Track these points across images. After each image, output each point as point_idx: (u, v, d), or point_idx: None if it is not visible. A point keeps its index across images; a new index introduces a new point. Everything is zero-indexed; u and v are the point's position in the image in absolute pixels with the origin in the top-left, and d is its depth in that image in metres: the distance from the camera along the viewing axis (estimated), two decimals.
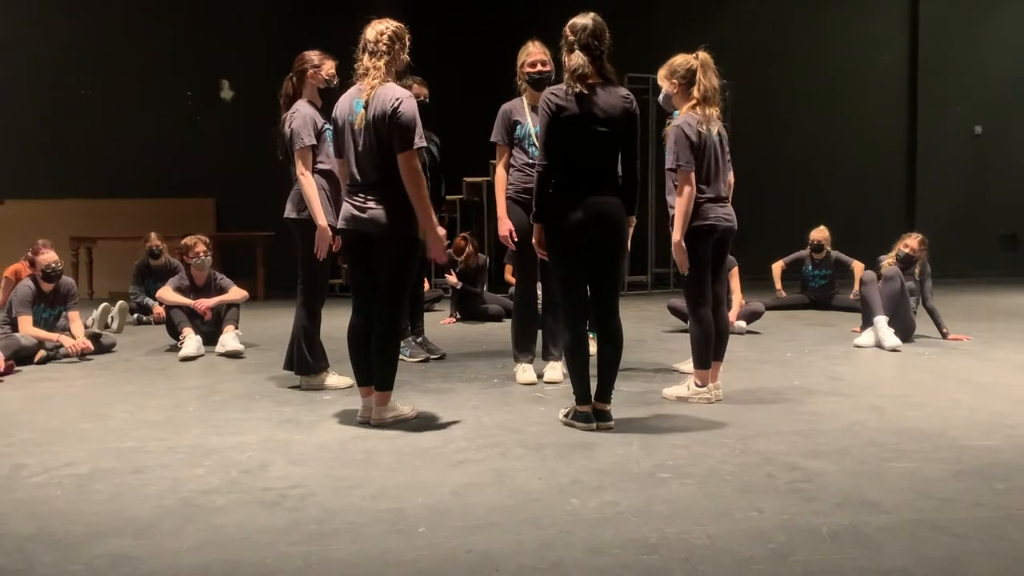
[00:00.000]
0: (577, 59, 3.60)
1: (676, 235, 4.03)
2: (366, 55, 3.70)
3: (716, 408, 4.06)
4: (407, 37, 3.79)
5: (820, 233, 8.30)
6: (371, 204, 3.65)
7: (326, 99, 4.51)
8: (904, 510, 2.65)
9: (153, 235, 7.88)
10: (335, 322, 4.94)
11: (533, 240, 3.79)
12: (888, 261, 6.19)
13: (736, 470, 3.05)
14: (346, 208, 3.76)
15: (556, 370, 4.76)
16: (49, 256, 5.81)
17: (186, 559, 2.33)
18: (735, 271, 6.81)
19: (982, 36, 12.69)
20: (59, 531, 2.54)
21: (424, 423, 3.79)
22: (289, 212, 4.55)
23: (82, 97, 11.20)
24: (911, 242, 6.23)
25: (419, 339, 5.63)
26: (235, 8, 11.30)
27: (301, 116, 4.44)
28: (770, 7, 12.26)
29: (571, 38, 3.66)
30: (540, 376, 4.74)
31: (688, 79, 4.10)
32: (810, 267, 8.37)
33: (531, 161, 4.59)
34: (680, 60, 4.16)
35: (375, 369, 3.75)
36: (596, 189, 3.61)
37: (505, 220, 4.66)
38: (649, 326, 7.06)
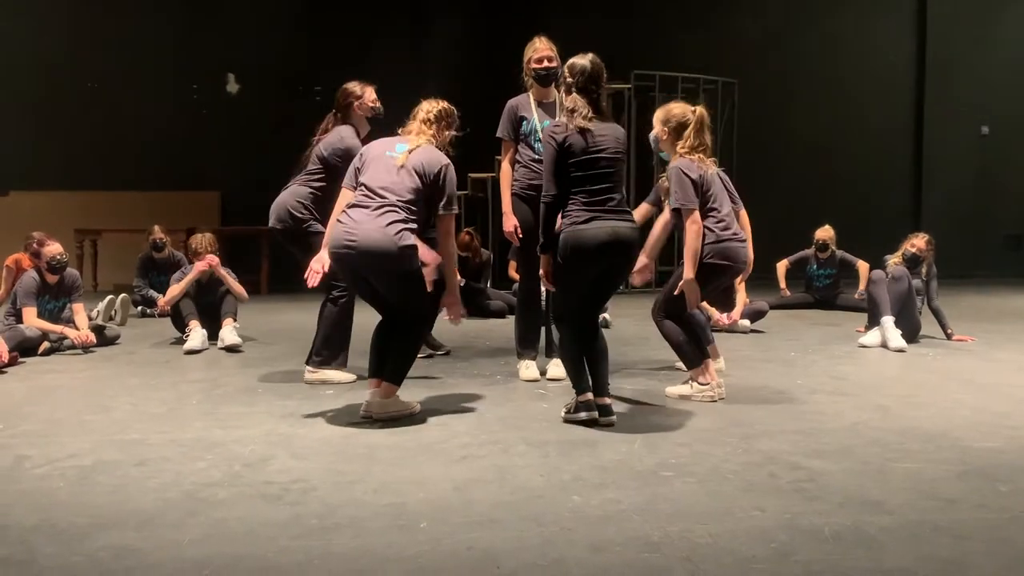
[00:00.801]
0: (575, 101, 3.75)
1: (688, 273, 4.07)
2: (416, 121, 3.97)
3: (719, 407, 4.05)
4: (455, 119, 4.07)
5: (825, 232, 8.29)
6: (375, 228, 3.64)
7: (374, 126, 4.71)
8: (907, 510, 2.64)
9: (156, 228, 7.89)
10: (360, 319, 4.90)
11: (540, 272, 3.84)
12: (894, 261, 6.18)
13: (739, 469, 3.05)
14: (343, 234, 3.70)
15: (559, 367, 4.74)
16: (54, 248, 5.82)
17: (188, 552, 2.33)
18: None
19: (989, 37, 12.66)
20: (62, 522, 2.55)
21: (427, 418, 3.79)
22: (281, 223, 4.58)
23: (88, 90, 11.22)
24: (917, 242, 6.21)
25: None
26: (242, 2, 11.30)
27: (340, 138, 4.56)
28: (777, 7, 12.24)
29: (569, 80, 3.80)
30: (543, 373, 4.74)
31: (678, 130, 4.19)
32: (815, 266, 8.36)
33: (537, 157, 4.59)
34: (678, 111, 4.24)
35: (390, 358, 3.79)
36: (613, 213, 3.71)
37: (510, 216, 4.65)
38: (652, 324, 7.02)
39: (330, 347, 4.64)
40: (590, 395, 3.70)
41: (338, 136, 4.60)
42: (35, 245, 5.91)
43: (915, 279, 6.15)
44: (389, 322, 3.90)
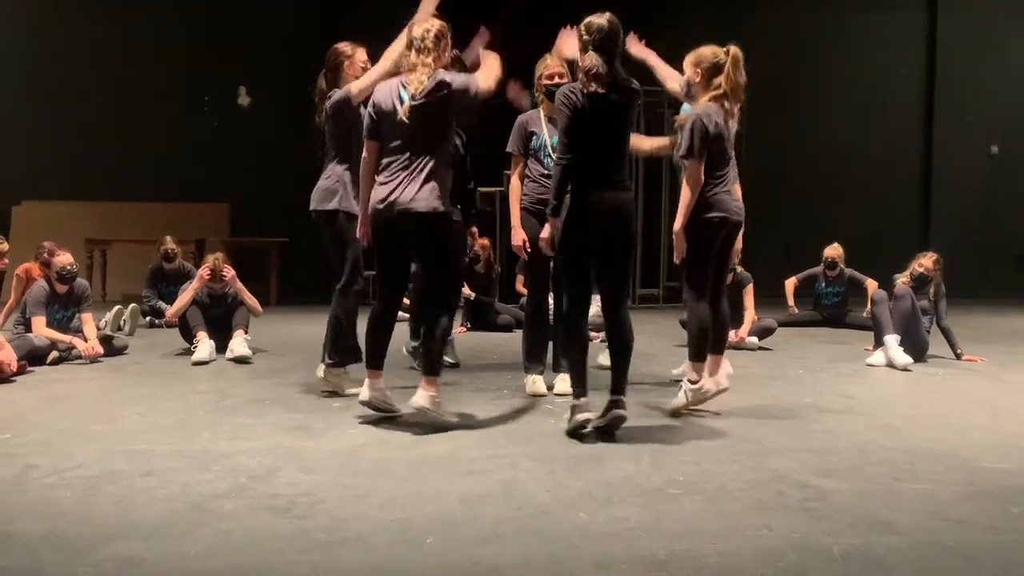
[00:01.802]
0: (591, 59, 3.69)
1: (678, 223, 4.04)
2: (413, 51, 3.85)
3: (727, 424, 4.03)
4: (449, 33, 3.95)
5: (834, 250, 8.28)
6: (414, 189, 3.75)
7: None
8: (916, 531, 2.62)
9: (168, 238, 7.92)
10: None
11: (542, 235, 3.83)
12: (902, 280, 6.16)
13: (747, 487, 3.03)
14: (382, 191, 3.83)
15: (566, 382, 4.73)
16: (65, 258, 5.85)
17: (194, 564, 2.33)
18: (750, 287, 6.79)
19: (999, 56, 12.65)
20: (68, 532, 2.54)
21: (433, 432, 3.78)
22: (328, 204, 4.49)
23: (100, 101, 11.30)
24: (925, 261, 6.19)
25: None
26: (254, 15, 11.38)
27: (339, 93, 4.48)
28: (786, 26, 12.26)
29: (586, 38, 3.74)
30: (550, 388, 4.73)
31: (712, 71, 4.10)
32: (823, 284, 8.34)
33: (546, 172, 4.62)
34: (708, 51, 4.16)
35: (425, 352, 3.87)
36: (610, 184, 3.71)
37: (519, 230, 4.66)
38: (660, 340, 7.03)
39: (340, 351, 4.62)
40: (586, 399, 3.71)
41: (328, 103, 4.49)
42: (45, 255, 5.94)
43: (923, 299, 6.13)
44: (388, 314, 4.00)
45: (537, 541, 2.50)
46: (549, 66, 4.64)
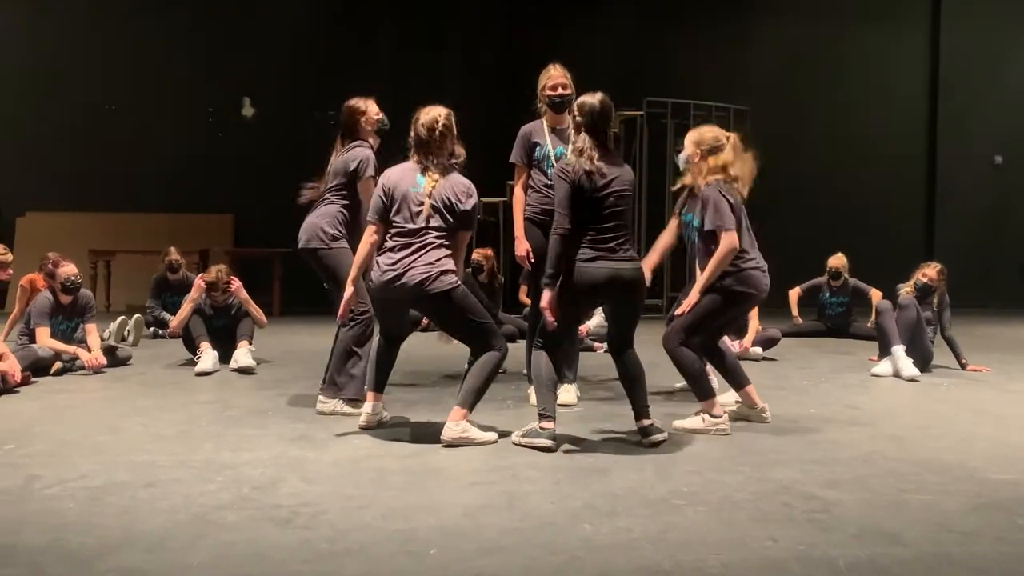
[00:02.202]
0: (583, 141, 3.77)
1: (698, 287, 4.06)
2: (421, 153, 3.91)
3: (732, 435, 4.01)
4: (455, 126, 3.98)
5: (838, 260, 8.27)
6: (424, 268, 3.76)
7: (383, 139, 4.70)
8: (923, 543, 2.60)
9: (172, 249, 7.94)
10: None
11: (543, 304, 3.78)
12: (906, 290, 6.15)
13: (752, 498, 3.02)
14: (388, 266, 3.80)
15: (570, 392, 4.74)
16: (69, 269, 5.86)
17: (196, 575, 2.32)
18: None
19: (1003, 66, 12.67)
20: (71, 543, 2.54)
21: (436, 443, 3.77)
22: (311, 243, 4.51)
23: (105, 112, 11.36)
24: (929, 271, 6.19)
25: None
26: (258, 26, 11.44)
27: (366, 153, 4.52)
28: (791, 35, 12.30)
29: (579, 119, 3.83)
30: None
31: (711, 152, 4.17)
32: (827, 294, 8.33)
33: (549, 182, 4.62)
34: (711, 135, 4.23)
35: (465, 386, 3.82)
36: (618, 253, 3.75)
37: (522, 240, 4.66)
38: (659, 351, 6.99)
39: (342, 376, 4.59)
40: (553, 424, 3.71)
41: (357, 151, 4.54)
42: (50, 265, 5.95)
43: (927, 309, 6.12)
44: (391, 347, 4.09)
45: (541, 552, 2.49)
46: (552, 77, 4.65)
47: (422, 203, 3.83)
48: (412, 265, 3.77)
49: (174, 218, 10.98)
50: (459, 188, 3.89)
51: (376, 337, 4.16)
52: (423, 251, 3.80)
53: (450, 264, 3.82)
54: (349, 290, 4.00)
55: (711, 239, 4.08)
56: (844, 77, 12.43)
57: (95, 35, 11.28)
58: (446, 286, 3.76)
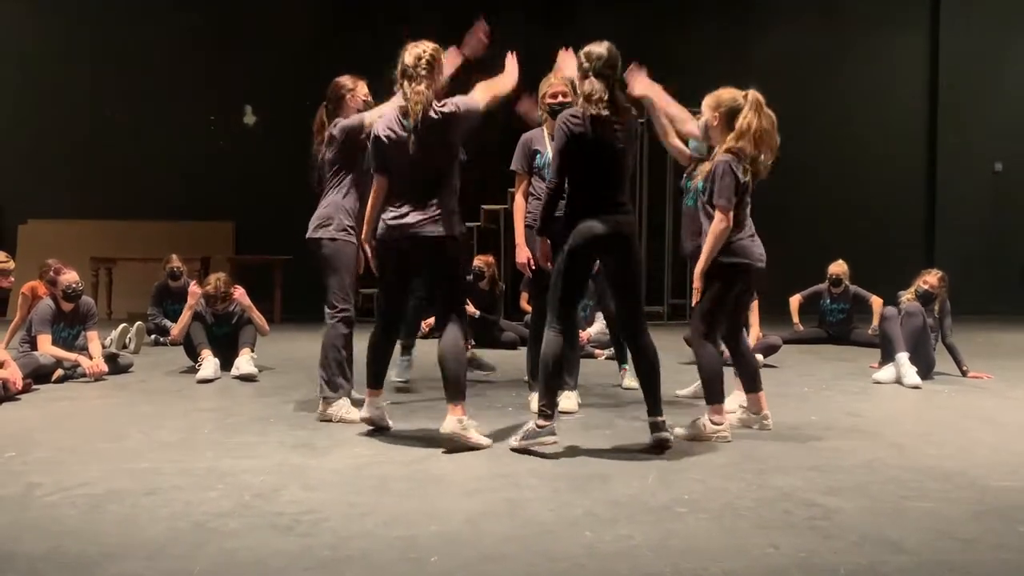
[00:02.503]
0: (592, 85, 3.75)
1: (697, 270, 4.05)
2: (406, 80, 3.87)
3: (733, 441, 4.01)
4: (443, 58, 3.99)
5: (838, 267, 8.27)
6: (423, 214, 3.82)
7: None
8: (924, 550, 2.60)
9: (174, 256, 7.94)
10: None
11: (539, 254, 3.92)
12: (907, 297, 6.15)
13: (753, 505, 3.01)
14: (390, 218, 3.88)
15: (571, 399, 4.74)
16: (70, 276, 5.86)
17: None
18: (755, 304, 6.77)
19: (1002, 73, 12.68)
20: (72, 551, 2.54)
21: (438, 450, 3.77)
22: (316, 232, 4.49)
23: (106, 120, 11.38)
24: (930, 278, 6.18)
25: (407, 357, 5.73)
26: (260, 34, 11.47)
27: (346, 120, 4.50)
28: (791, 40, 12.31)
29: (586, 65, 3.80)
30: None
31: (730, 117, 4.06)
32: (828, 301, 8.32)
33: None
34: (728, 95, 4.11)
35: (446, 380, 3.83)
36: (613, 208, 3.76)
37: (523, 248, 4.67)
38: (665, 357, 6.95)
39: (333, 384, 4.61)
40: (552, 422, 3.72)
41: (336, 128, 4.49)
42: (51, 273, 5.95)
43: (928, 316, 6.12)
44: (388, 338, 4.09)
45: (542, 560, 2.49)
46: (553, 85, 4.66)
47: (411, 148, 3.81)
48: (410, 215, 3.83)
49: (175, 226, 11.00)
50: (437, 117, 3.81)
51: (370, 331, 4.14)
52: (419, 204, 3.84)
53: (459, 224, 3.88)
54: (368, 247, 4.10)
55: (712, 209, 4.04)
56: (843, 83, 12.44)
57: (97, 43, 11.31)
58: (440, 232, 3.81)
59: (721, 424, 4.04)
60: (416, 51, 3.88)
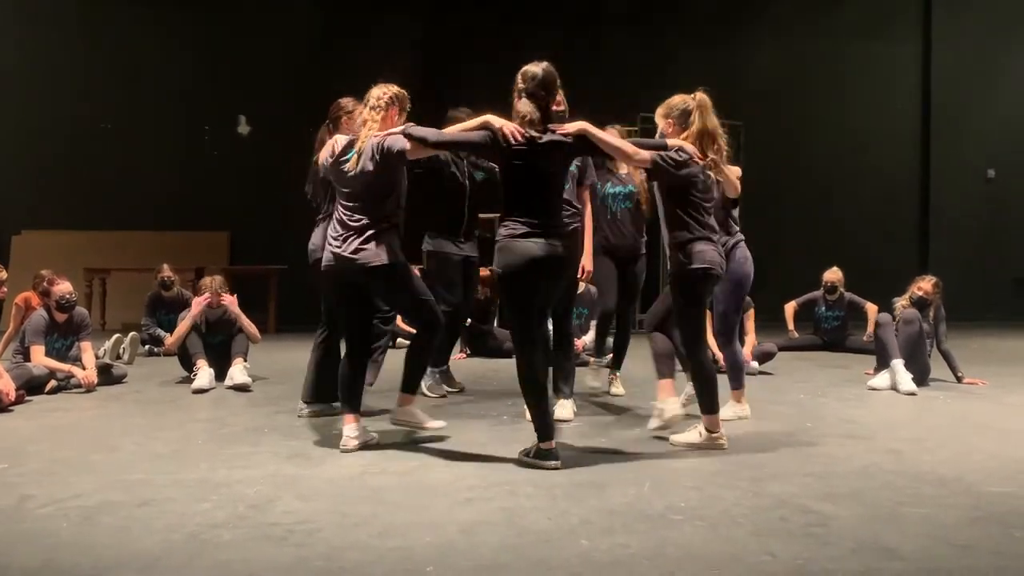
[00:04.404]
0: (524, 106, 3.74)
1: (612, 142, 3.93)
2: (367, 108, 4.03)
3: (728, 449, 4.00)
4: (407, 102, 4.10)
5: (834, 274, 8.28)
6: (360, 244, 3.91)
7: None
8: (921, 557, 2.60)
9: (165, 266, 7.92)
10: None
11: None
12: (902, 304, 6.16)
13: (749, 513, 3.01)
14: (331, 250, 3.98)
15: (566, 408, 4.74)
16: (64, 287, 5.85)
17: None
18: (751, 312, 6.79)
19: (994, 81, 12.75)
20: (65, 564, 2.52)
21: (433, 459, 3.76)
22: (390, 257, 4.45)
23: (100, 130, 11.37)
24: (924, 285, 6.19)
25: (441, 370, 5.61)
26: (254, 45, 11.48)
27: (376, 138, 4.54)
28: (785, 51, 12.37)
29: (520, 85, 3.81)
30: None
31: (683, 119, 4.07)
32: (823, 308, 8.33)
33: None
34: (678, 100, 4.13)
35: (408, 370, 4.10)
36: (549, 228, 3.71)
37: None
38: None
39: (320, 398, 4.75)
40: (554, 443, 3.66)
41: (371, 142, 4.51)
42: (44, 284, 5.94)
43: (923, 322, 6.13)
44: (360, 357, 4.07)
45: (538, 569, 2.48)
46: None
47: (351, 173, 3.94)
48: (355, 243, 3.96)
49: (170, 236, 10.97)
50: (375, 144, 3.90)
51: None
52: (362, 231, 3.98)
53: (392, 250, 3.95)
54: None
55: (673, 201, 4.00)
56: (837, 93, 12.49)
57: (91, 53, 11.31)
58: (379, 262, 3.93)
59: (716, 433, 4.02)
60: (382, 88, 4.04)
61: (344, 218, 3.97)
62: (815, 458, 3.86)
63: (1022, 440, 4.29)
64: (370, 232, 3.90)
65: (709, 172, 4.03)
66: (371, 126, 3.95)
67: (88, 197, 11.11)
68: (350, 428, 3.97)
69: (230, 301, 6.21)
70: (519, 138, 3.68)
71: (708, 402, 4.03)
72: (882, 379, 5.87)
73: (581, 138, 3.78)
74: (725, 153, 4.16)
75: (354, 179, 3.92)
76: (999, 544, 2.72)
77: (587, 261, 4.80)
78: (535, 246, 3.64)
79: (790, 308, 8.38)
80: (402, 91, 4.07)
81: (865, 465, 3.71)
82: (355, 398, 4.03)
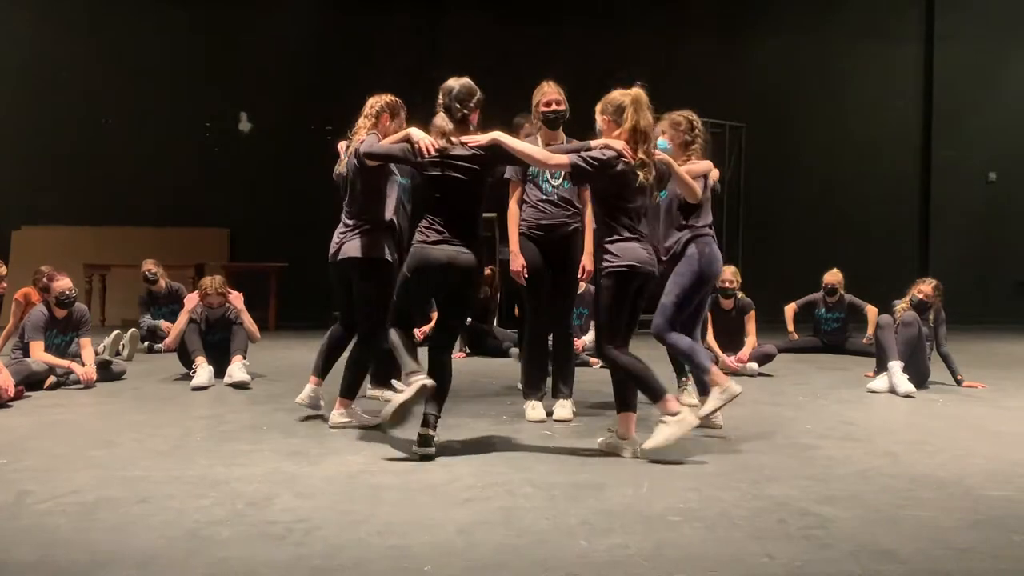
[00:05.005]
0: (440, 119, 3.93)
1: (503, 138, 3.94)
2: (361, 118, 4.43)
3: (727, 450, 4.01)
4: (400, 109, 4.48)
5: (834, 276, 8.28)
6: (349, 239, 4.37)
7: None
8: (920, 560, 2.59)
9: (146, 261, 7.93)
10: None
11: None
12: (902, 306, 6.15)
13: (748, 514, 3.01)
14: (332, 246, 4.47)
15: (565, 408, 4.73)
16: (64, 283, 5.84)
17: None
18: (752, 314, 6.79)
19: (996, 83, 12.75)
20: (62, 560, 2.52)
21: (432, 459, 3.76)
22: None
23: (101, 126, 11.37)
24: (925, 288, 6.19)
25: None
26: (256, 41, 11.47)
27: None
28: (785, 52, 12.37)
29: (440, 100, 3.96)
30: (549, 414, 4.71)
31: (617, 116, 3.95)
32: (823, 310, 8.33)
33: (544, 197, 4.72)
34: (615, 95, 4.00)
35: (346, 376, 4.45)
36: (457, 238, 3.85)
37: (517, 255, 4.67)
38: (661, 365, 6.99)
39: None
40: (420, 375, 3.78)
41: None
42: (44, 280, 5.93)
43: (923, 325, 6.12)
44: (346, 335, 4.62)
45: (536, 569, 2.47)
46: (546, 93, 4.67)
47: (340, 175, 4.48)
48: (346, 243, 4.44)
49: (170, 232, 10.97)
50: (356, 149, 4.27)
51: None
52: (353, 230, 4.44)
53: (376, 248, 4.37)
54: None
55: (598, 201, 3.94)
56: (838, 94, 12.49)
57: (92, 49, 11.30)
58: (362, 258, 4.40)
59: (678, 411, 3.81)
60: (376, 97, 4.47)
61: (343, 216, 4.48)
62: (814, 460, 3.86)
63: (1021, 443, 4.29)
64: (358, 230, 4.36)
65: (639, 172, 3.85)
66: (360, 133, 4.34)
67: (88, 193, 11.11)
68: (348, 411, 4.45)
69: (235, 297, 6.21)
70: (431, 151, 3.86)
71: (652, 392, 3.84)
72: (880, 382, 5.87)
73: (494, 147, 3.88)
74: (698, 147, 4.25)
75: (345, 180, 4.46)
76: (998, 548, 2.71)
77: (587, 260, 4.80)
78: (442, 253, 3.82)
79: (790, 310, 8.38)
80: (394, 100, 4.46)
81: (864, 468, 3.71)
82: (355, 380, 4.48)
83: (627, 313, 3.93)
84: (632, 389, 3.94)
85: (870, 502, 3.18)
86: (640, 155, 3.87)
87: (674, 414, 3.80)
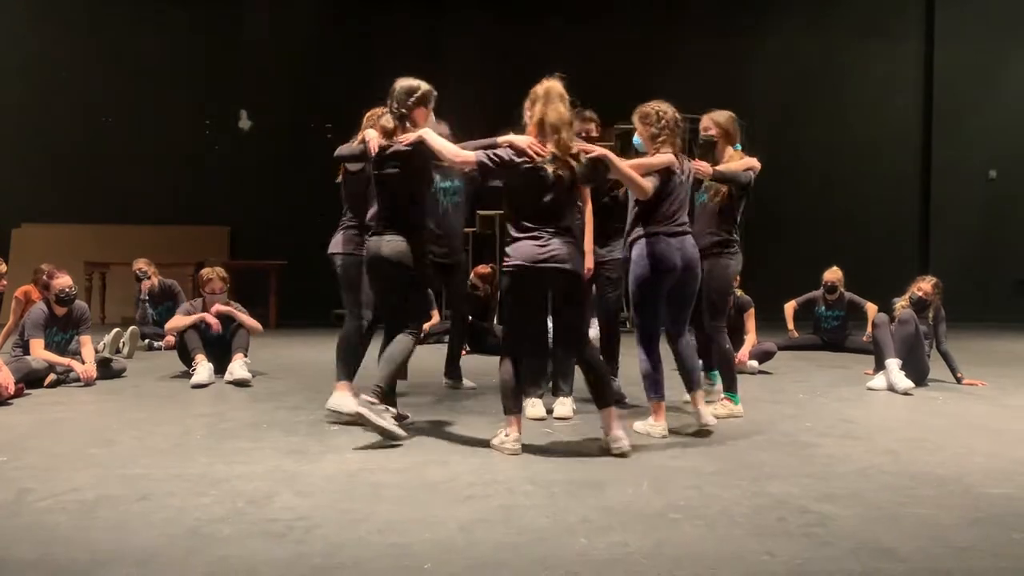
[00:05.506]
0: (384, 119, 4.20)
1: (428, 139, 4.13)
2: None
3: (727, 448, 4.01)
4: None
5: (833, 274, 8.28)
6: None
7: None
8: (920, 558, 2.59)
9: (136, 260, 7.98)
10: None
11: None
12: (901, 304, 6.15)
13: (748, 512, 3.01)
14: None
15: (565, 405, 4.73)
16: (64, 281, 5.84)
17: None
18: (751, 311, 6.79)
19: (997, 81, 12.74)
20: (62, 558, 2.52)
21: (432, 457, 3.76)
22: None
23: (101, 124, 11.36)
24: (924, 285, 6.19)
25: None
26: (256, 39, 11.47)
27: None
28: (786, 51, 12.36)
29: (389, 101, 4.20)
30: (549, 411, 4.71)
31: (530, 108, 3.88)
32: (823, 308, 8.33)
33: None
34: (536, 88, 3.89)
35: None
36: (389, 230, 4.14)
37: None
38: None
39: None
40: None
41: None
42: (44, 277, 5.93)
43: (922, 323, 6.12)
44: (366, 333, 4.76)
45: (536, 567, 2.47)
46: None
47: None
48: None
49: (170, 230, 10.97)
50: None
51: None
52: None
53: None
54: None
55: (507, 198, 3.91)
56: (839, 93, 12.49)
57: (92, 47, 11.30)
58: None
59: (658, 423, 4.23)
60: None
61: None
62: (814, 458, 3.86)
63: (1021, 441, 4.29)
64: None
65: (547, 167, 3.74)
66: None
67: (88, 191, 11.11)
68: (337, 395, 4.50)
69: (223, 310, 6.14)
70: (375, 149, 4.19)
71: (506, 403, 3.87)
72: (879, 380, 5.87)
73: (418, 144, 4.06)
74: (665, 139, 4.17)
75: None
76: (998, 546, 2.71)
77: (588, 260, 4.79)
78: (375, 243, 4.15)
79: (790, 308, 8.37)
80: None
81: (864, 466, 3.71)
82: (351, 363, 4.62)
83: (532, 315, 3.92)
84: (604, 386, 3.92)
85: (870, 500, 3.18)
86: (551, 149, 3.75)
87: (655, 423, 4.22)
